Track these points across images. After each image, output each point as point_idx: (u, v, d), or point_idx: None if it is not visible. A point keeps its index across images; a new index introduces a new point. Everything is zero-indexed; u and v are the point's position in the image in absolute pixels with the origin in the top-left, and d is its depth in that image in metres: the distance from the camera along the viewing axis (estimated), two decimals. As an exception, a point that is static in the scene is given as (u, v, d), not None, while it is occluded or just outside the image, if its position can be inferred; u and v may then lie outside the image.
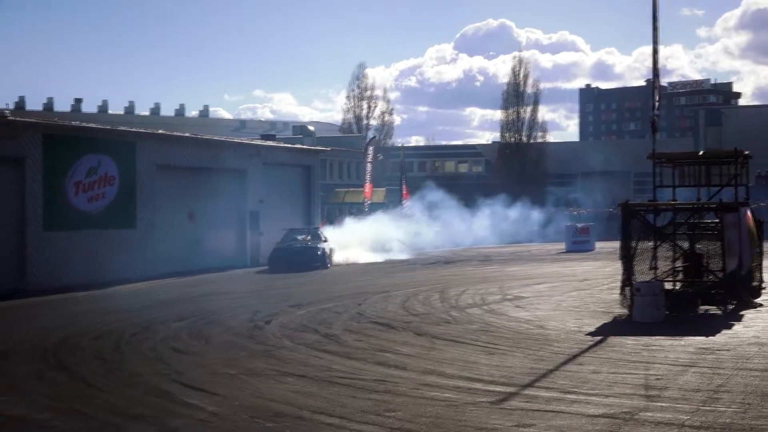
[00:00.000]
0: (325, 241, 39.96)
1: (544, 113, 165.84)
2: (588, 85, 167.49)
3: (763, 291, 23.52)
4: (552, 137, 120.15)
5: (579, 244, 48.16)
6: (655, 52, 22.19)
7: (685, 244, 22.70)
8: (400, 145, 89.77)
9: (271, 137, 63.22)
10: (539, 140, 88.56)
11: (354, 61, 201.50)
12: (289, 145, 53.44)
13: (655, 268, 21.70)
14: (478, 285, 28.47)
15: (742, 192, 23.02)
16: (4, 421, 11.87)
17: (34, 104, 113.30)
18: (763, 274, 24.63)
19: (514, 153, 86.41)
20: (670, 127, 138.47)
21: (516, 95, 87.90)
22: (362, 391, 12.91)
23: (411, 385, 13.22)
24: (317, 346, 17.17)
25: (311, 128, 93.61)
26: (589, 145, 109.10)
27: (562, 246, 49.10)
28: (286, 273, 35.37)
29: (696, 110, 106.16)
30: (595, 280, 29.37)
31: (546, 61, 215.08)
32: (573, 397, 12.23)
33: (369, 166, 55.83)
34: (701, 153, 25.48)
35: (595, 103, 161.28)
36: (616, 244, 22.46)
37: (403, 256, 44.14)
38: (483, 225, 53.89)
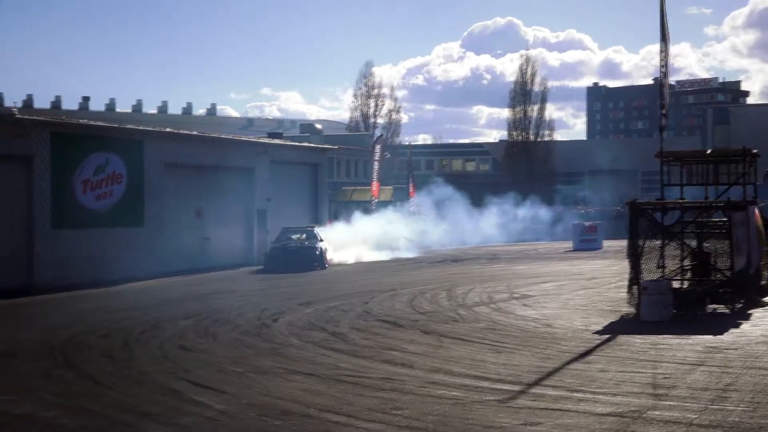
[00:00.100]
0: (321, 240, 38.98)
1: (552, 112, 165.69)
2: (595, 84, 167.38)
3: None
4: (559, 136, 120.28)
5: (586, 242, 48.10)
6: (663, 51, 22.17)
7: (693, 243, 22.67)
8: (407, 143, 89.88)
9: (279, 135, 63.17)
10: (546, 139, 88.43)
11: (361, 60, 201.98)
12: (297, 144, 53.42)
13: (663, 267, 21.67)
14: (486, 283, 28.47)
15: (750, 191, 22.96)
16: (12, 420, 11.89)
17: (42, 102, 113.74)
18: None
19: (522, 151, 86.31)
20: (678, 125, 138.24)
21: (523, 93, 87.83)
22: (369, 389, 12.91)
23: (418, 384, 13.22)
24: (324, 344, 17.18)
25: (318, 126, 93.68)
26: (597, 144, 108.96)
27: (569, 244, 49.05)
28: (282, 273, 34.47)
29: (704, 109, 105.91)
30: (603, 279, 29.35)
31: (553, 59, 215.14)
32: (580, 395, 12.21)
33: (376, 165, 55.77)
34: (709, 152, 25.41)
35: (602, 102, 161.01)
36: (624, 243, 22.42)
37: (410, 255, 44.14)
38: (490, 223, 53.85)
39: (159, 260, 35.28)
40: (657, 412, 11.14)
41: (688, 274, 22.47)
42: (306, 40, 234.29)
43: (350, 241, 42.74)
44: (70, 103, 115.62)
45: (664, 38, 22.22)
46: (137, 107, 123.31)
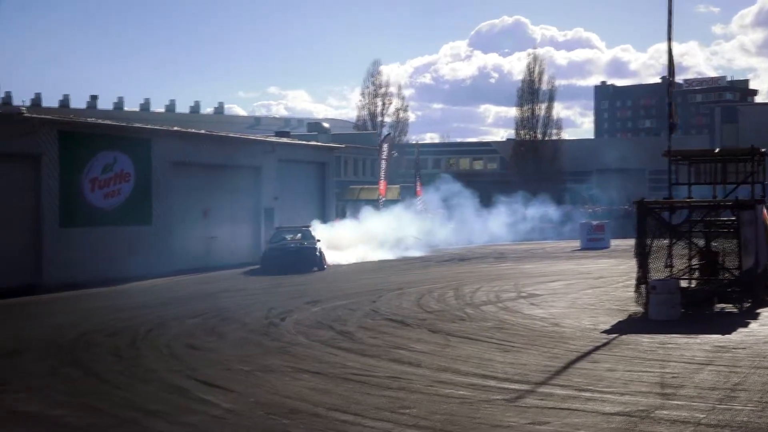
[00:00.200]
0: (318, 240, 37.53)
1: (559, 110, 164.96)
2: (603, 82, 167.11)
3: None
4: (567, 134, 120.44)
5: (594, 241, 47.97)
6: (670, 51, 22.11)
7: (701, 242, 22.62)
8: (414, 142, 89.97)
9: (286, 134, 63.16)
10: (554, 137, 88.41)
11: (369, 58, 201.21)
12: (304, 142, 53.42)
13: (671, 266, 21.63)
14: (493, 282, 28.44)
15: (759, 189, 22.91)
16: (19, 418, 11.91)
17: (50, 101, 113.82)
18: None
19: (529, 150, 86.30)
20: (686, 124, 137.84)
21: (531, 92, 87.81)
22: (377, 388, 12.90)
23: (425, 383, 13.21)
24: (332, 343, 17.18)
25: (326, 125, 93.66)
26: (605, 143, 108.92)
27: (577, 243, 48.93)
28: (279, 275, 33.15)
29: (712, 107, 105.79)
30: (610, 278, 29.29)
31: (561, 58, 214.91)
32: (588, 394, 12.19)
33: (384, 163, 55.76)
34: (717, 150, 25.37)
35: (610, 101, 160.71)
36: (632, 242, 22.41)
37: (418, 253, 44.12)
38: (498, 222, 53.80)
39: (166, 259, 35.29)
40: (665, 412, 11.11)
41: (696, 274, 22.42)
42: (313, 38, 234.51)
43: (358, 239, 42.66)
44: (79, 102, 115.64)
45: (670, 37, 22.13)
46: (145, 106, 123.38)
